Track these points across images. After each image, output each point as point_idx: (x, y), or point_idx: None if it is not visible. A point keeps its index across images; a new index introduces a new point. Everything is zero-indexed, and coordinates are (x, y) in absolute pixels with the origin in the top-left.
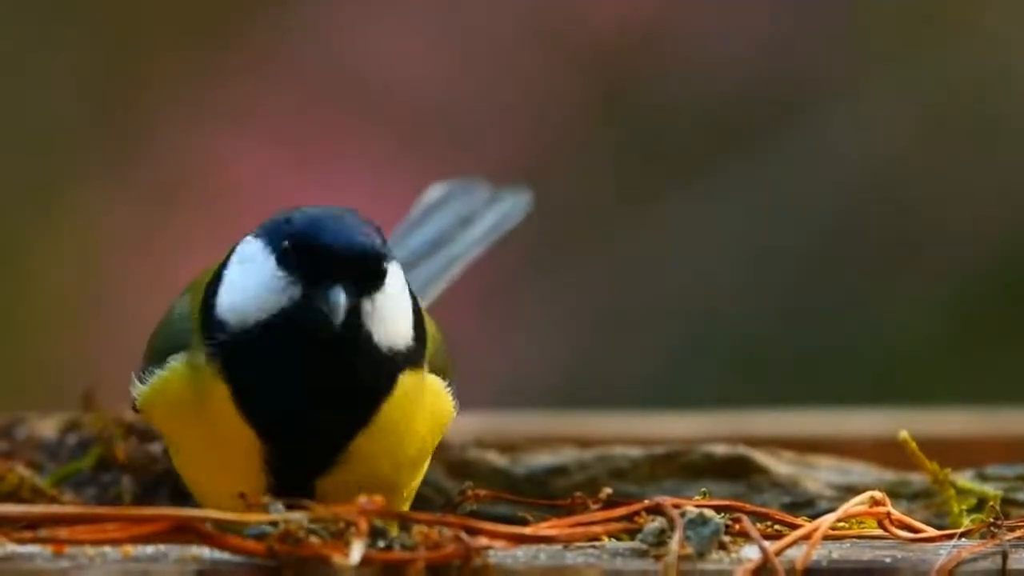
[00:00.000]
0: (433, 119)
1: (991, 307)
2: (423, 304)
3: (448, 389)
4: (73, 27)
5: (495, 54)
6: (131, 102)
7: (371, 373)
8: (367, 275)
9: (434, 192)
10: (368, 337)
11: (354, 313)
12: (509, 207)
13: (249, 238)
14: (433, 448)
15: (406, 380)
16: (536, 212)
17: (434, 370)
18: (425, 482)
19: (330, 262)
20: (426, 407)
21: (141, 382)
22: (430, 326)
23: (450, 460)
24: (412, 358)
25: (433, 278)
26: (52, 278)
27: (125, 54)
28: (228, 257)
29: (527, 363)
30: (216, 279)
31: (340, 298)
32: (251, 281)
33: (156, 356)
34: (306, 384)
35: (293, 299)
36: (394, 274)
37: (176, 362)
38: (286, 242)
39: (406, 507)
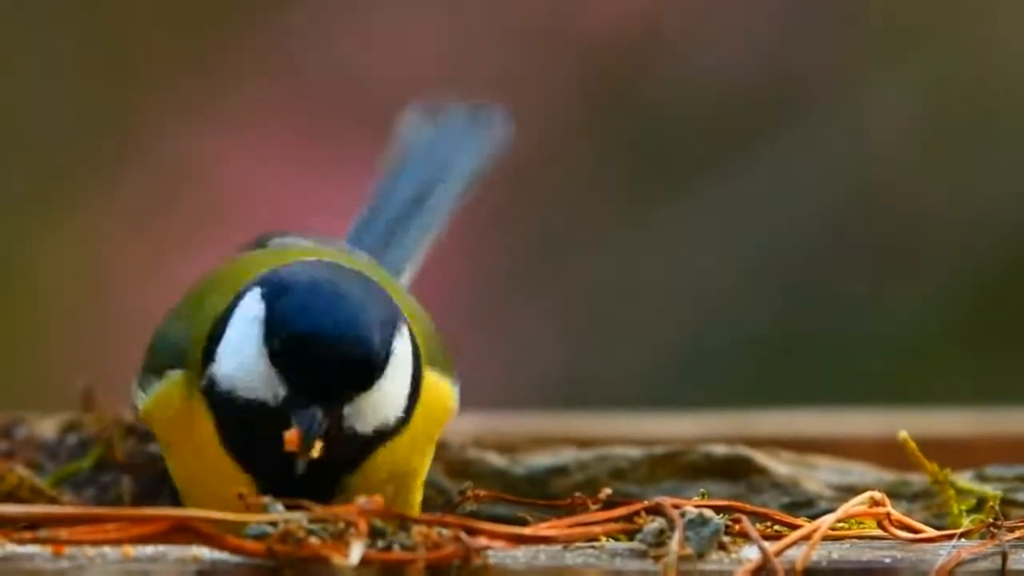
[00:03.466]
0: None
1: (991, 307)
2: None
3: (446, 380)
4: (70, 28)
5: (494, 55)
6: (128, 104)
7: (355, 453)
8: (355, 383)
9: (408, 128)
10: (350, 435)
11: (334, 422)
12: (487, 141)
13: (254, 295)
14: (436, 438)
15: (397, 436)
16: (537, 212)
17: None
18: (425, 482)
19: (317, 374)
20: (420, 424)
21: (142, 389)
22: (422, 324)
23: (449, 460)
24: (404, 420)
25: (417, 239)
26: (51, 278)
27: (122, 56)
28: (234, 305)
29: (526, 363)
30: (220, 325)
31: (314, 423)
32: (244, 356)
33: (154, 368)
34: (288, 461)
35: (277, 397)
36: (396, 350)
37: (174, 377)
38: (276, 340)
39: (419, 494)
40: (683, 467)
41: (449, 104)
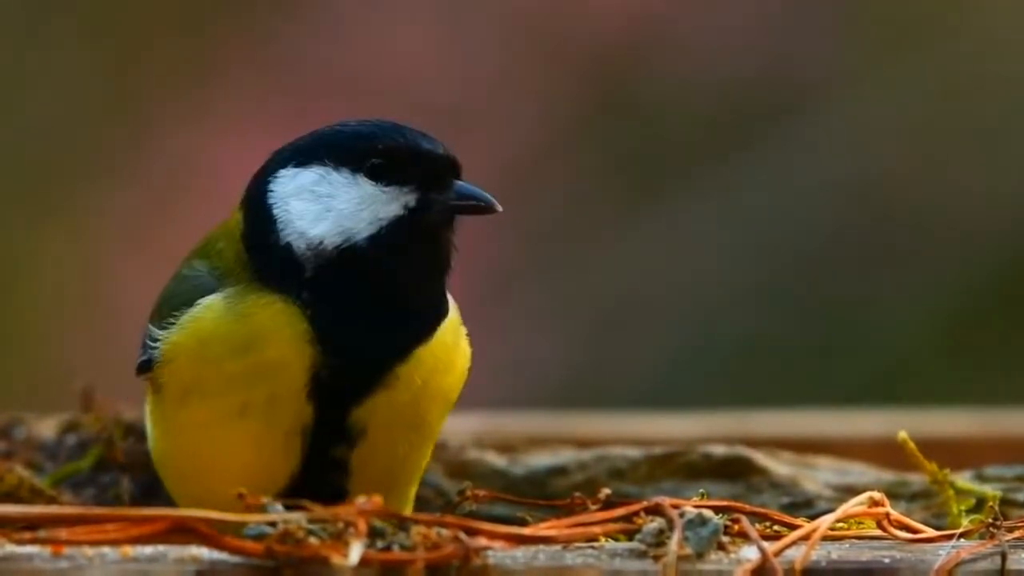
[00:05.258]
0: (433, 118)
1: (991, 308)
2: None
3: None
4: (70, 28)
5: (495, 54)
6: (129, 106)
7: (444, 284)
8: (456, 166)
9: None
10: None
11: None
12: None
13: (288, 171)
14: (452, 406)
15: (453, 309)
16: (536, 211)
17: None
18: (424, 483)
19: (435, 167)
20: (459, 342)
21: (161, 330)
22: None
23: (449, 461)
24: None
25: None
26: (51, 279)
27: (123, 55)
28: (256, 203)
29: (526, 363)
30: (260, 223)
31: (472, 190)
32: (341, 203)
33: (174, 308)
34: (396, 292)
35: (408, 206)
36: None
37: (209, 301)
38: (374, 159)
39: (412, 489)
40: (682, 467)
41: None
